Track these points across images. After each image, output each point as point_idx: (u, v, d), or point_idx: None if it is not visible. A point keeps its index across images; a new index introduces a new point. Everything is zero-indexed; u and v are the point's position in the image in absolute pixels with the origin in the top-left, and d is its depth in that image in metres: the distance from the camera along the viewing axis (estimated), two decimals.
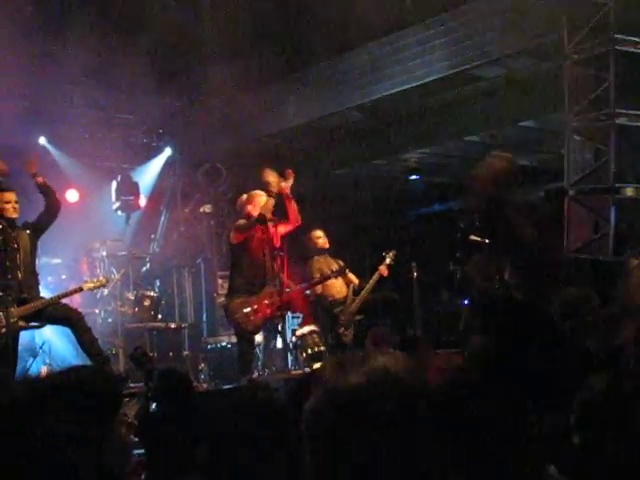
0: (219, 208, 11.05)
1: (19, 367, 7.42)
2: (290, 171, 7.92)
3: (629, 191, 7.66)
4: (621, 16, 7.40)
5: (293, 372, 8.28)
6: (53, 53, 9.69)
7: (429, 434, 1.26)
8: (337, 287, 8.97)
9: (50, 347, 8.83)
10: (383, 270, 8.98)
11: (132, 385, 7.61)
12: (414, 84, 9.49)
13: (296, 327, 9.25)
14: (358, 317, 8.89)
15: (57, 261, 9.65)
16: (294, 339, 8.64)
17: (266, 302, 7.84)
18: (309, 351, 8.31)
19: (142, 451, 4.40)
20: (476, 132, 10.45)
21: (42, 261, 8.34)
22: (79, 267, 9.97)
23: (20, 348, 7.33)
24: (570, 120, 7.85)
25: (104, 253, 9.67)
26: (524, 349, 1.19)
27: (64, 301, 7.43)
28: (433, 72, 9.28)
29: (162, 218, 11.47)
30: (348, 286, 9.00)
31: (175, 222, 11.24)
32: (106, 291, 9.16)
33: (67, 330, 7.40)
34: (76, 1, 9.82)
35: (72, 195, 10.68)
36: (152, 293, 9.82)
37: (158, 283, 10.32)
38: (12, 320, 6.92)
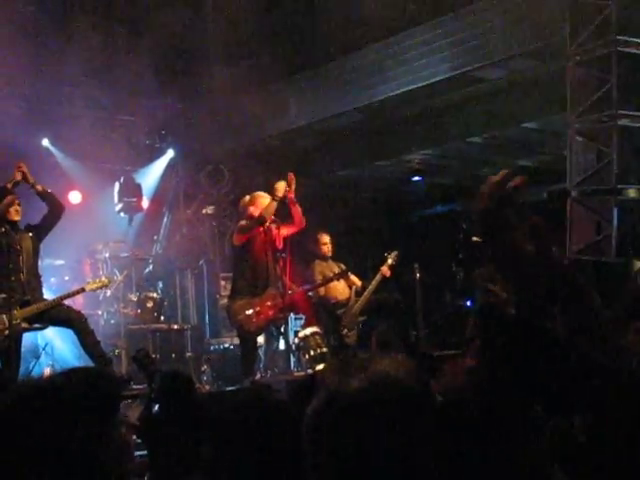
0: (222, 210, 11.07)
1: (22, 368, 7.44)
2: (292, 175, 7.93)
3: (632, 192, 7.65)
4: (623, 17, 7.39)
5: (296, 374, 8.28)
6: (55, 54, 9.69)
7: (431, 438, 1.26)
8: (340, 289, 8.97)
9: (53, 348, 8.85)
10: (385, 271, 8.98)
11: (135, 387, 7.61)
12: (417, 85, 9.49)
13: (298, 329, 9.25)
14: (361, 318, 8.89)
15: (60, 262, 9.67)
16: (297, 341, 8.64)
17: (269, 304, 7.84)
18: (312, 353, 8.29)
19: (145, 452, 4.41)
20: (479, 133, 10.44)
21: (45, 262, 8.36)
22: (82, 268, 9.98)
23: (23, 349, 7.36)
24: (572, 121, 7.84)
25: (107, 255, 9.68)
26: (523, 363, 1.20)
27: (67, 303, 7.44)
28: (436, 74, 9.28)
29: (165, 220, 11.48)
30: (351, 288, 9.00)
31: (178, 224, 11.25)
32: (109, 292, 9.17)
33: (70, 332, 7.42)
34: (78, 2, 9.83)
35: (75, 197, 10.70)
36: (155, 295, 9.83)
37: (161, 285, 10.32)
38: (15, 322, 6.94)
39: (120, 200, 10.79)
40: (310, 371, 7.96)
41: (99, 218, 10.74)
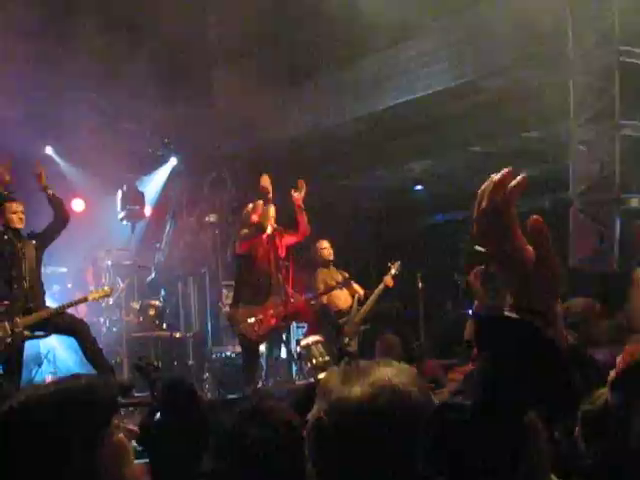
0: (224, 218, 11.06)
1: (24, 376, 7.45)
2: (302, 181, 7.94)
3: (634, 202, 7.66)
4: (626, 28, 7.42)
5: (298, 382, 8.27)
6: (58, 62, 9.73)
7: (431, 447, 1.26)
8: (342, 298, 8.97)
9: (55, 356, 8.86)
10: (388, 281, 8.98)
11: (136, 394, 7.61)
12: (418, 95, 9.51)
13: (301, 337, 9.25)
14: (363, 327, 8.89)
15: (63, 270, 9.69)
16: (299, 349, 8.64)
17: (271, 312, 7.84)
18: (314, 361, 8.30)
19: (145, 459, 4.41)
20: (481, 143, 10.46)
21: (48, 270, 8.37)
22: (84, 276, 9.99)
23: (25, 357, 7.36)
24: (575, 131, 7.86)
25: (109, 262, 9.69)
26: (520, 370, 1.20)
27: (70, 311, 7.45)
28: (437, 83, 9.30)
29: (167, 227, 11.48)
30: (353, 297, 9.00)
31: (180, 231, 11.26)
32: (111, 300, 9.17)
33: (72, 339, 7.42)
34: (81, 9, 9.86)
35: (78, 204, 10.73)
36: (157, 302, 9.83)
37: (163, 292, 10.33)
38: (17, 330, 6.95)
39: (123, 208, 10.82)
40: (312, 379, 7.96)
41: (102, 226, 10.76)
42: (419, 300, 9.65)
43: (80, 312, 8.34)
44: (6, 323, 6.93)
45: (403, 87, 9.67)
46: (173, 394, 4.64)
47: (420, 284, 9.69)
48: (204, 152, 11.64)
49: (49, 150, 10.77)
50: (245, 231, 7.98)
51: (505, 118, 9.71)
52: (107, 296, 8.08)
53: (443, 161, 11.49)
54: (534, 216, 1.31)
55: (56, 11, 9.63)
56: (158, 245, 11.27)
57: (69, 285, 9.66)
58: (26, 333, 7.05)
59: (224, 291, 10.12)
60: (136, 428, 4.67)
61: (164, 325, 9.68)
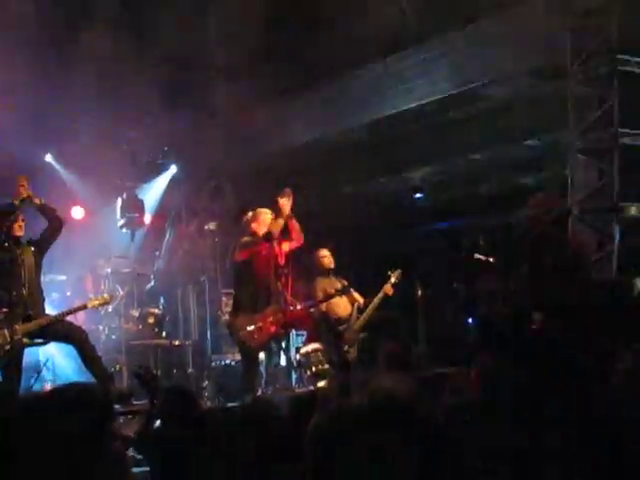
0: (224, 225, 11.07)
1: (23, 383, 7.43)
2: (289, 190, 7.93)
3: (633, 210, 7.68)
4: (624, 37, 7.45)
5: (297, 390, 8.26)
6: (59, 70, 9.75)
7: (429, 456, 1.27)
8: (342, 305, 8.97)
9: (54, 364, 8.84)
10: (388, 289, 8.97)
11: (136, 402, 7.60)
12: (419, 103, 9.54)
13: (300, 345, 9.24)
14: (362, 335, 8.88)
15: (62, 278, 9.68)
16: (298, 357, 8.63)
17: (270, 320, 7.84)
18: (313, 369, 8.29)
19: (142, 468, 4.42)
20: (480, 150, 10.48)
21: (47, 277, 8.36)
22: (84, 284, 9.98)
23: (24, 364, 7.34)
24: (574, 139, 7.88)
25: (109, 270, 9.69)
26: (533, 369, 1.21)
27: (68, 318, 7.44)
28: (437, 91, 9.33)
29: (167, 235, 11.49)
30: (353, 304, 8.99)
31: (180, 239, 11.26)
32: (110, 308, 9.17)
33: (71, 347, 7.41)
34: (83, 19, 9.89)
35: (77, 212, 10.73)
36: (156, 310, 9.82)
37: (162, 300, 10.32)
38: (16, 337, 6.94)
39: (123, 216, 10.82)
40: (312, 387, 7.96)
41: (101, 233, 10.77)
42: (418, 308, 9.64)
43: (79, 319, 8.33)
44: (5, 330, 6.93)
45: (403, 95, 9.69)
46: (173, 401, 4.65)
47: (419, 292, 9.68)
48: (204, 161, 11.66)
49: (49, 157, 10.78)
50: (245, 239, 7.99)
51: (504, 126, 9.74)
52: (106, 304, 8.07)
53: (443, 169, 11.50)
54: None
55: (59, 21, 9.66)
56: (157, 253, 11.28)
57: (68, 293, 9.65)
58: (25, 340, 7.04)
59: (223, 299, 10.11)
60: (134, 435, 4.67)
61: (163, 333, 9.68)
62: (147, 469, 4.35)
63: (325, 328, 8.96)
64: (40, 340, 7.28)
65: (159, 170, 11.85)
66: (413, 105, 9.63)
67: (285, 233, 8.16)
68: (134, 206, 10.88)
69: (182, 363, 9.60)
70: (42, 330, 7.14)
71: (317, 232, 8.84)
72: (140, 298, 10.00)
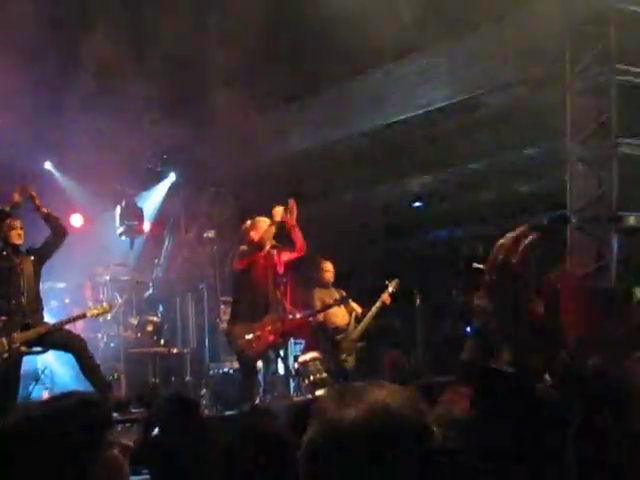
0: (223, 234, 11.07)
1: (21, 392, 7.43)
2: (292, 202, 7.95)
3: (631, 220, 7.68)
4: (623, 46, 7.46)
5: (295, 399, 8.25)
6: (58, 78, 9.76)
7: (426, 471, 1.26)
8: (339, 315, 8.96)
9: (52, 372, 8.83)
10: (386, 299, 8.97)
11: (134, 410, 7.59)
12: (418, 112, 9.54)
13: (298, 353, 9.23)
14: (359, 344, 8.87)
15: (61, 285, 9.67)
16: (296, 365, 8.62)
17: (269, 328, 7.84)
18: (311, 378, 8.28)
19: (140, 477, 4.40)
20: (480, 159, 10.49)
21: (46, 285, 8.36)
22: (83, 292, 9.98)
23: (22, 373, 7.33)
24: (573, 148, 7.88)
25: (107, 278, 9.68)
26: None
27: (67, 326, 7.44)
28: (437, 100, 9.34)
29: (166, 243, 11.49)
30: (351, 314, 8.99)
31: (179, 247, 11.26)
32: (109, 316, 9.16)
33: (69, 355, 7.40)
34: (81, 28, 9.91)
35: (76, 220, 10.74)
36: (155, 318, 9.82)
37: (161, 308, 10.31)
38: (14, 345, 6.94)
39: (122, 223, 10.81)
40: (310, 396, 7.95)
41: (100, 241, 10.77)
42: (417, 317, 9.64)
43: (77, 327, 8.33)
44: (3, 339, 6.93)
45: (403, 103, 9.70)
46: (174, 408, 4.63)
47: (418, 301, 9.68)
48: (203, 168, 11.67)
49: (48, 165, 10.79)
50: (244, 247, 7.99)
51: (504, 135, 9.75)
52: (106, 313, 8.08)
53: (443, 177, 11.51)
54: (550, 276, 1.35)
55: (57, 30, 9.67)
56: (156, 261, 11.27)
57: (67, 300, 9.64)
58: (23, 349, 7.04)
59: (222, 307, 10.11)
60: (131, 444, 4.66)
61: (162, 341, 9.66)
62: (147, 477, 4.34)
63: (323, 337, 8.96)
64: (38, 348, 7.28)
65: (158, 178, 11.86)
66: (413, 113, 9.64)
67: (284, 240, 8.17)
68: (133, 214, 10.87)
69: (180, 371, 9.59)
70: (40, 338, 7.14)
71: (316, 239, 8.83)
72: (139, 306, 10.00)
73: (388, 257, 12.68)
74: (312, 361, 8.42)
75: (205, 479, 3.13)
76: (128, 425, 6.99)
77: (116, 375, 8.84)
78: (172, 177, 11.81)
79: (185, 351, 9.85)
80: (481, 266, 1.47)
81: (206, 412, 8.62)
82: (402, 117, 9.76)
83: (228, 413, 8.00)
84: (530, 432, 1.24)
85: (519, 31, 8.45)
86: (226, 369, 9.60)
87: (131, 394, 7.92)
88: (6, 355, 6.89)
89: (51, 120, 10.30)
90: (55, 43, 9.63)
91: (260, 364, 8.42)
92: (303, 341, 9.51)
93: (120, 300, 9.40)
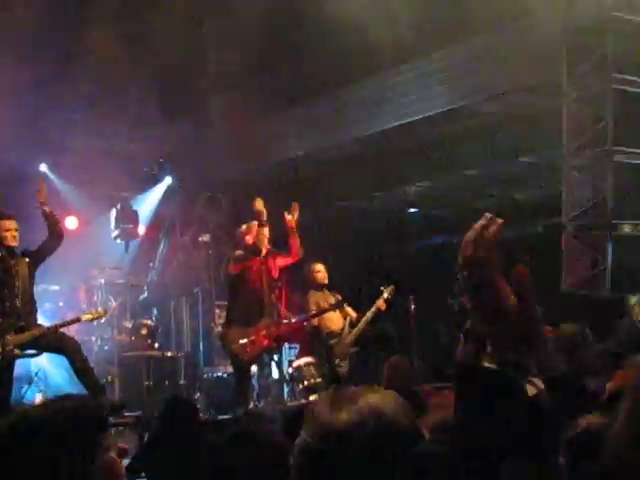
0: (218, 238, 11.06)
1: (14, 394, 7.40)
2: (295, 204, 7.96)
3: (626, 228, 7.69)
4: (619, 55, 7.48)
5: (289, 403, 8.25)
6: (55, 80, 9.76)
7: (417, 475, 1.27)
8: (334, 319, 8.96)
9: (45, 375, 8.81)
10: (381, 304, 8.97)
11: (127, 414, 7.58)
12: (414, 118, 9.56)
13: (293, 358, 9.23)
14: (354, 349, 8.87)
15: (55, 288, 9.65)
16: (291, 370, 8.62)
17: (263, 333, 7.84)
18: (305, 383, 8.28)
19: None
20: (476, 166, 10.51)
21: (40, 287, 8.35)
22: (77, 294, 9.97)
23: (15, 375, 7.31)
24: (569, 156, 7.90)
25: (102, 281, 9.67)
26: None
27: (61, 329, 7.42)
28: (433, 107, 9.35)
29: (161, 247, 11.47)
30: (345, 319, 8.99)
31: (174, 251, 11.24)
32: (103, 319, 9.14)
33: (63, 358, 7.39)
34: (78, 30, 9.91)
35: (71, 222, 10.71)
36: (149, 322, 9.81)
37: (155, 312, 10.30)
38: (8, 348, 6.92)
39: (117, 226, 10.80)
40: (303, 401, 7.94)
41: (95, 244, 10.75)
42: (412, 323, 9.63)
43: (71, 330, 8.30)
44: None
45: (399, 110, 9.72)
46: (175, 411, 4.63)
47: (413, 307, 9.67)
48: (199, 172, 11.66)
49: (44, 167, 10.77)
50: (239, 252, 7.99)
51: (500, 142, 9.77)
52: (100, 317, 8.06)
53: (438, 184, 11.53)
54: (519, 266, 1.34)
55: (55, 31, 9.68)
56: (151, 264, 11.25)
57: (61, 303, 9.62)
58: (17, 352, 7.01)
59: (217, 311, 10.11)
60: (127, 446, 4.65)
61: (156, 344, 9.66)
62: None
63: (317, 341, 8.95)
64: (32, 351, 7.27)
65: (154, 181, 11.84)
66: (409, 120, 9.65)
67: (280, 245, 8.18)
68: (128, 217, 10.86)
69: (174, 375, 9.57)
70: (34, 341, 7.11)
71: (311, 245, 8.84)
72: (133, 309, 9.99)
73: (382, 263, 12.68)
74: (306, 366, 8.42)
75: None
76: (121, 428, 6.99)
77: (110, 378, 8.83)
78: (168, 180, 11.79)
79: (179, 355, 9.84)
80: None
81: (200, 416, 8.61)
82: (398, 124, 9.77)
83: (222, 417, 7.99)
84: (516, 430, 1.24)
85: (515, 39, 8.47)
86: (220, 373, 9.60)
87: (124, 397, 7.92)
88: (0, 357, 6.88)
89: (47, 122, 10.30)
90: (52, 45, 9.64)
91: (254, 368, 8.42)
92: (298, 345, 9.50)
93: (114, 303, 9.39)
